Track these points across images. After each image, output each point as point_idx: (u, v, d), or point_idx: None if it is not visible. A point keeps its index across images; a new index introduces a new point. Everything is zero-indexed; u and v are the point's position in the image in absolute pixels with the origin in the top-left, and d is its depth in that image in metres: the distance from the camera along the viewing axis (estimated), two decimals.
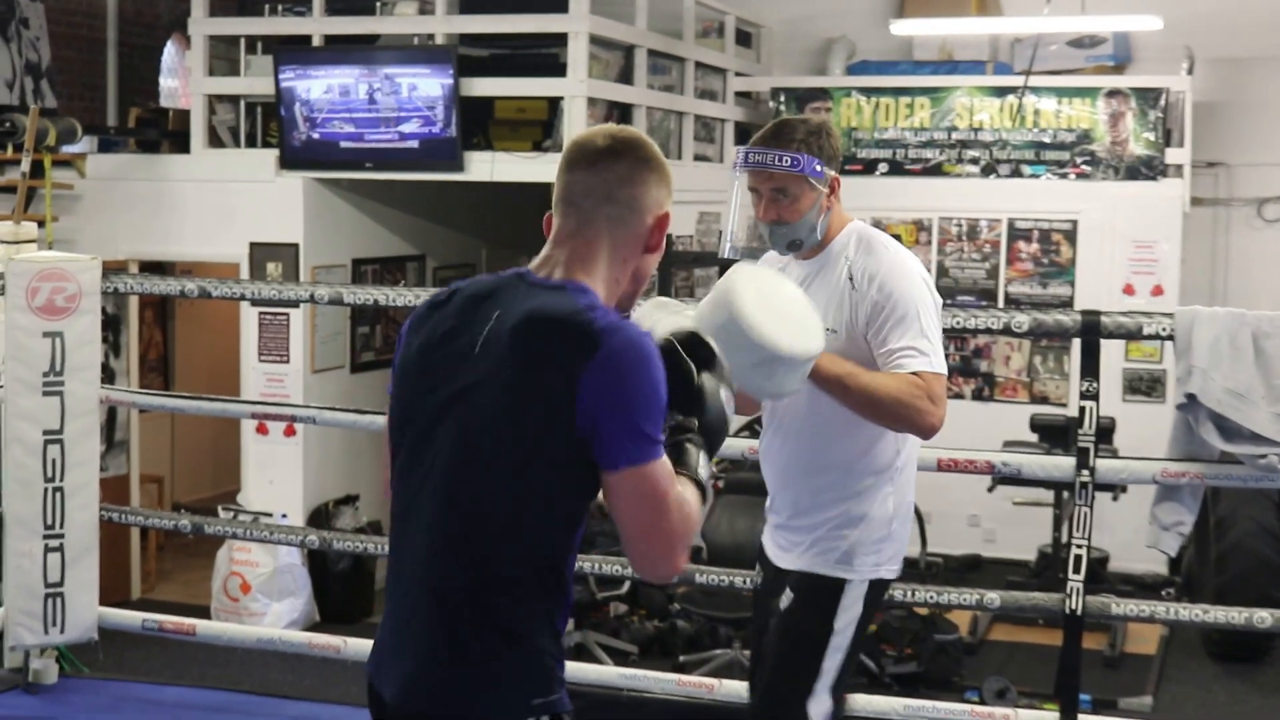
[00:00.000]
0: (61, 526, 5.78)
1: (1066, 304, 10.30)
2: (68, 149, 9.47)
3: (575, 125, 8.59)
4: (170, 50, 11.75)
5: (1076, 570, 4.95)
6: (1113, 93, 10.41)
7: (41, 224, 8.66)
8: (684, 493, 2.69)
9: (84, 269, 5.79)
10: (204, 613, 8.55)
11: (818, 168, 3.81)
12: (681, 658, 8.44)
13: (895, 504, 3.90)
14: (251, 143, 9.54)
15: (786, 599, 3.87)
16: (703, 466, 2.77)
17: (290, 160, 9.10)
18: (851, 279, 3.81)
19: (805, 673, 3.81)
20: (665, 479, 2.64)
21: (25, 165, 8.49)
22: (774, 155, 3.80)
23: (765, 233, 3.90)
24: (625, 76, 9.52)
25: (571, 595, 2.78)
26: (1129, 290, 10.35)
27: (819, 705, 3.80)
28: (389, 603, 2.82)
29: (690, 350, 2.85)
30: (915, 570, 9.37)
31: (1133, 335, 5.08)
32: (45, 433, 5.72)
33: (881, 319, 3.76)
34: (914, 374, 3.69)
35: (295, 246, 9.17)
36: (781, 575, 3.94)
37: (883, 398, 3.66)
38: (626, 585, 8.75)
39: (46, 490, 5.74)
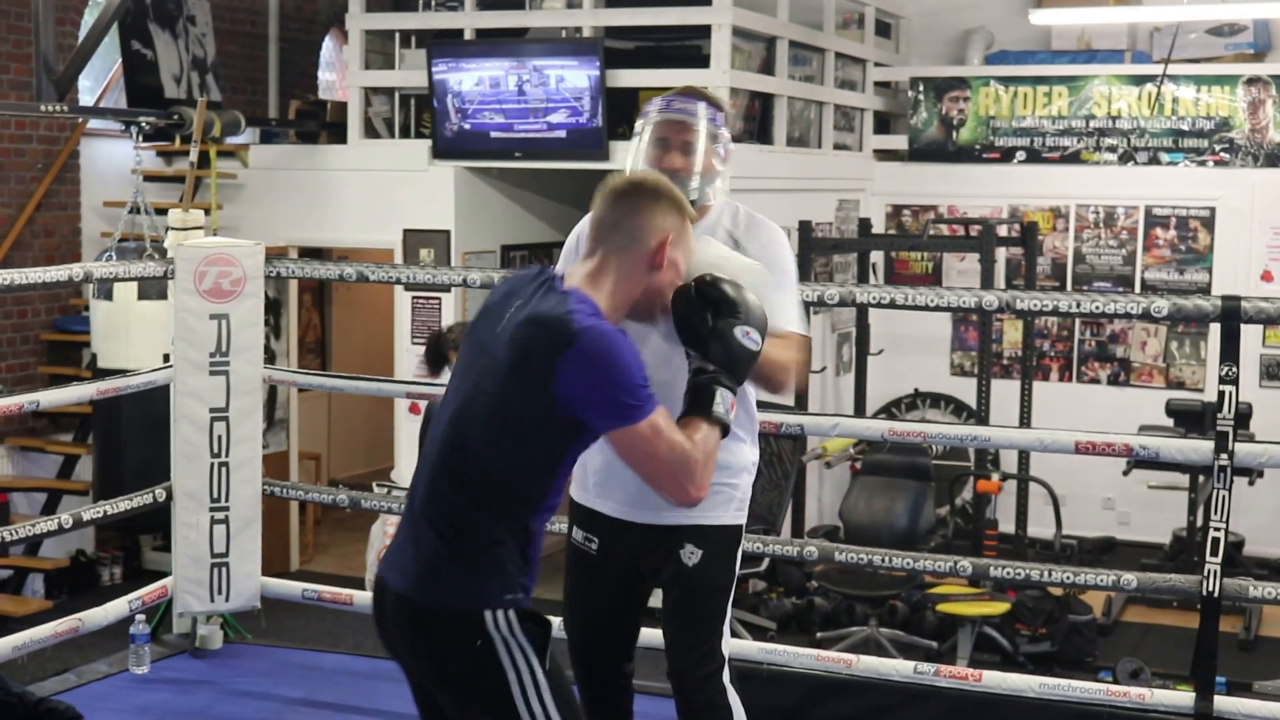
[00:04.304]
0: (227, 500, 5.83)
1: (1204, 290, 10.26)
2: (232, 140, 9.69)
3: None
4: (328, 45, 11.93)
5: (1214, 552, 4.84)
6: (1252, 80, 10.37)
7: (207, 211, 8.89)
8: (683, 437, 3.17)
9: (248, 254, 5.80)
10: (358, 584, 8.53)
11: (726, 132, 3.99)
12: (819, 634, 8.55)
13: (752, 450, 4.02)
14: (405, 133, 9.72)
15: (694, 555, 3.89)
16: (719, 404, 3.27)
17: (442, 150, 9.29)
18: (738, 247, 3.87)
19: (718, 621, 3.92)
20: (650, 433, 3.12)
21: (193, 155, 8.74)
22: (697, 107, 3.95)
23: None
24: (767, 67, 9.61)
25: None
26: (1266, 277, 10.32)
27: (726, 645, 3.93)
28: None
29: (702, 294, 3.33)
30: (1050, 551, 9.45)
31: (1273, 320, 5.00)
32: (212, 410, 5.77)
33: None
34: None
35: (447, 233, 9.34)
36: (660, 534, 3.91)
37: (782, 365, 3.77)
38: (766, 563, 8.86)
39: (213, 465, 5.80)
